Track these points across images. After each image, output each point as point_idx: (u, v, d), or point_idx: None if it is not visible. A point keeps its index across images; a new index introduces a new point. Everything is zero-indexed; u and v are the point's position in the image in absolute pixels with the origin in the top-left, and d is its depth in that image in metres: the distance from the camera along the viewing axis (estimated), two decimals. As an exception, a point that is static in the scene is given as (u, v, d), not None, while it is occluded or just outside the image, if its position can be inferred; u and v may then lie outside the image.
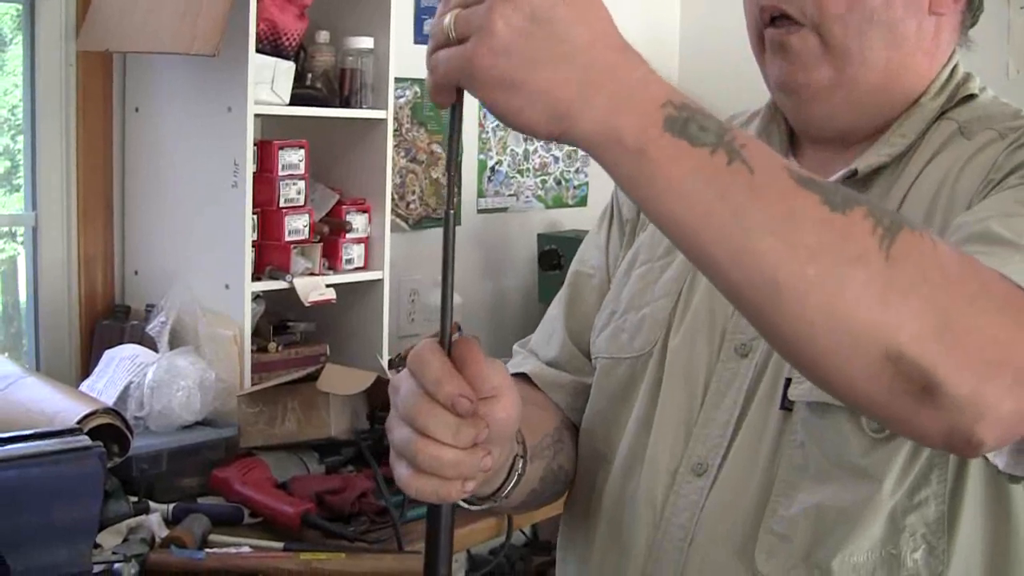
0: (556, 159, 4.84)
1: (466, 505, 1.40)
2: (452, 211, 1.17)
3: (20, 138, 3.41)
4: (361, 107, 3.50)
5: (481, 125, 4.46)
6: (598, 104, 1.04)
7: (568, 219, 4.88)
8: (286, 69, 3.28)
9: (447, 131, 1.16)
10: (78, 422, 2.53)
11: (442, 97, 1.10)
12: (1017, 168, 1.34)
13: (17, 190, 3.45)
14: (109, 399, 2.93)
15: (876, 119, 1.54)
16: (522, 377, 1.75)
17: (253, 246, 3.26)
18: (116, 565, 2.30)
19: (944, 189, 1.42)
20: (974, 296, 1.07)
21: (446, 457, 1.17)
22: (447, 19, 1.05)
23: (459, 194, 4.48)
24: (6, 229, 3.46)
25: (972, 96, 1.54)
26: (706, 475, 1.50)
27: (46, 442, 2.13)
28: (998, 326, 1.06)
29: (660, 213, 1.06)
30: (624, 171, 1.06)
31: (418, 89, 4.12)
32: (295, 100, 3.34)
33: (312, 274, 3.41)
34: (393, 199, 3.78)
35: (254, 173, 3.22)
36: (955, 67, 1.57)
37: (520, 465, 1.45)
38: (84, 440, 2.17)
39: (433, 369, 1.17)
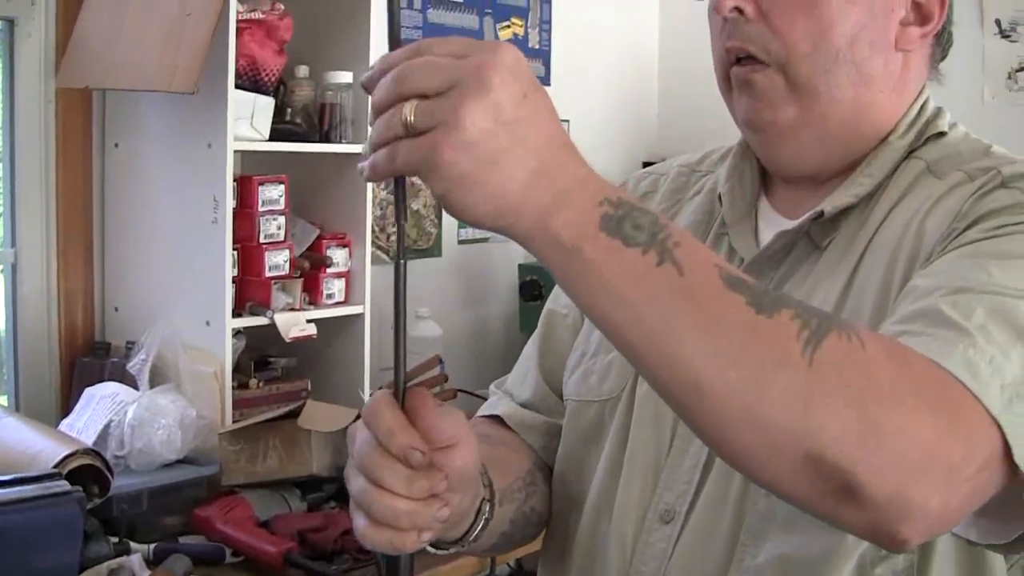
0: (537, 189, 4.83)
1: (433, 550, 1.40)
2: (402, 260, 1.16)
3: (-1, 169, 3.41)
4: (341, 141, 3.50)
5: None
6: (541, 202, 1.04)
7: (549, 250, 4.86)
8: (265, 104, 3.28)
9: (395, 204, 1.15)
10: (58, 464, 2.52)
11: (384, 179, 1.10)
12: (981, 219, 1.33)
13: (-4, 222, 3.44)
14: (89, 438, 2.92)
15: (845, 157, 1.53)
16: (496, 418, 1.74)
17: (233, 282, 3.26)
18: (97, 608, 2.29)
19: (910, 230, 1.41)
20: (903, 397, 1.06)
21: (400, 508, 1.17)
22: (406, 109, 1.03)
23: (439, 227, 4.48)
24: (-15, 265, 3.45)
25: (942, 134, 1.53)
26: (673, 522, 1.48)
27: (25, 487, 2.13)
28: (926, 427, 1.06)
29: (591, 310, 1.07)
30: (559, 268, 1.07)
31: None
32: (275, 135, 3.33)
33: (293, 309, 3.40)
34: (374, 231, 3.77)
35: (234, 209, 3.22)
36: (925, 103, 1.56)
37: (487, 509, 1.44)
38: (63, 485, 2.16)
39: (385, 421, 1.16)
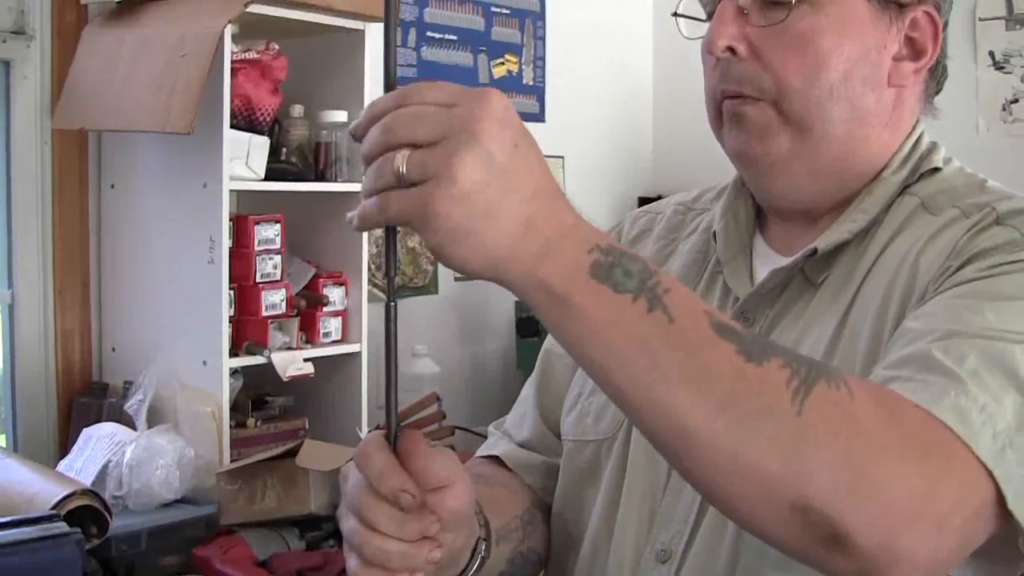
0: (533, 225, 4.84)
1: None
2: (393, 303, 1.16)
3: (-4, 209, 3.41)
4: (336, 180, 3.50)
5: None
6: (529, 254, 1.04)
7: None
8: (261, 144, 3.29)
9: (384, 253, 1.15)
10: (56, 505, 2.51)
11: (375, 228, 1.09)
12: (975, 257, 1.32)
13: (-7, 266, 3.44)
14: (87, 478, 2.92)
15: (839, 192, 1.53)
16: (494, 459, 1.74)
17: (230, 321, 3.26)
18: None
19: (904, 267, 1.40)
20: (891, 446, 1.07)
21: (391, 549, 1.17)
22: (397, 159, 1.03)
23: (435, 264, 4.48)
24: (-18, 306, 3.45)
25: (936, 169, 1.52)
26: (670, 562, 1.48)
27: (23, 529, 2.12)
28: (915, 476, 1.07)
29: (581, 355, 1.08)
30: (548, 314, 1.07)
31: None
32: (270, 175, 3.34)
33: (290, 348, 3.40)
34: (370, 269, 3.78)
35: (230, 248, 3.22)
36: (919, 138, 1.56)
37: (483, 548, 1.43)
38: (61, 526, 2.16)
39: (376, 464, 1.17)
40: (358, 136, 1.08)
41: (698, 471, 1.08)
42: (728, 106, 1.51)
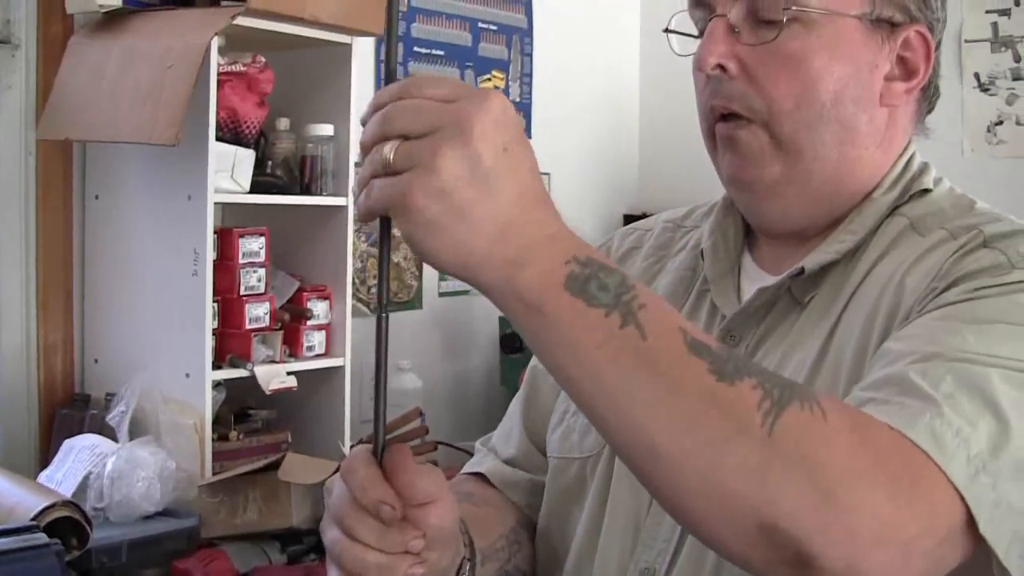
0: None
1: None
2: (385, 315, 1.15)
3: (-21, 225, 3.40)
4: (322, 194, 3.51)
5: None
6: (506, 256, 1.04)
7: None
8: (246, 157, 3.29)
9: (379, 245, 1.15)
10: (36, 516, 2.50)
11: (371, 219, 1.09)
12: (960, 280, 1.31)
13: (-24, 277, 3.43)
14: (68, 490, 2.91)
15: (831, 213, 1.51)
16: (480, 476, 1.73)
17: (214, 334, 3.25)
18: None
19: (890, 288, 1.39)
20: (861, 470, 1.06)
21: (370, 560, 1.17)
22: (387, 148, 1.03)
23: (419, 280, 4.48)
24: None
25: (926, 191, 1.51)
26: None
27: (2, 540, 2.11)
28: (883, 500, 1.05)
29: (553, 367, 1.08)
30: (521, 322, 1.07)
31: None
32: (255, 188, 3.34)
33: (273, 362, 3.40)
34: (354, 284, 3.77)
35: (215, 261, 3.22)
36: (910, 159, 1.54)
37: (467, 568, 1.42)
38: (41, 537, 2.15)
39: (359, 476, 1.16)
40: (364, 125, 1.08)
41: (665, 489, 1.07)
42: (721, 130, 1.50)
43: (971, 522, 1.11)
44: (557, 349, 1.06)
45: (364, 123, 1.09)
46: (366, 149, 1.07)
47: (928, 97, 1.57)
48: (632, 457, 1.08)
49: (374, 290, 4.19)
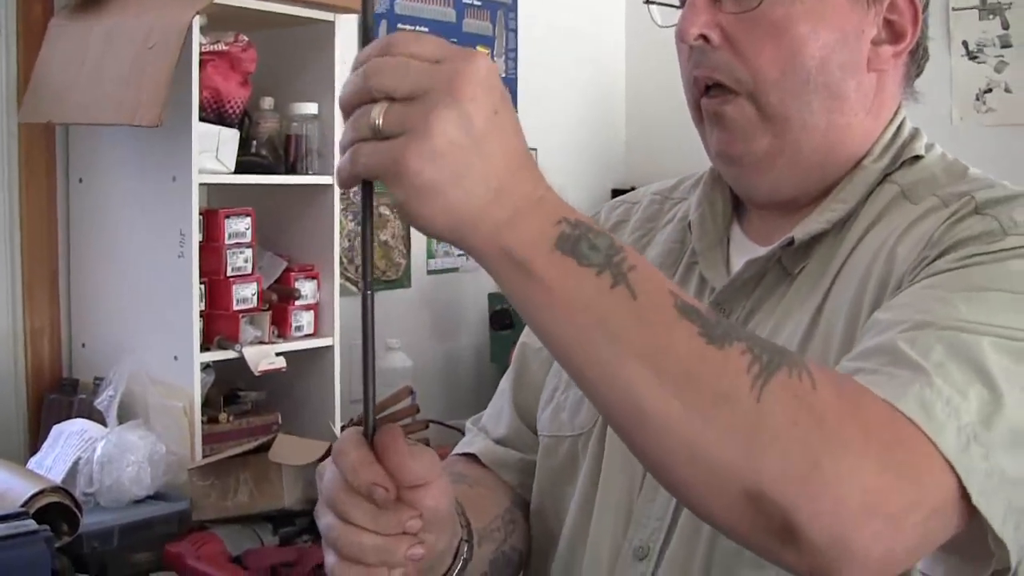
0: (505, 218, 4.83)
1: None
2: (370, 292, 1.14)
3: (-37, 210, 3.38)
4: (307, 173, 3.49)
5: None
6: (497, 218, 1.03)
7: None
8: (230, 137, 3.27)
9: (361, 212, 1.13)
10: (25, 502, 2.49)
11: (354, 184, 1.07)
12: (952, 247, 1.30)
13: (-40, 261, 3.42)
14: (58, 475, 2.90)
15: (821, 182, 1.50)
16: (472, 456, 1.72)
17: (201, 316, 3.24)
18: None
19: (880, 256, 1.38)
20: (850, 441, 1.05)
21: (367, 543, 1.16)
22: (375, 112, 1.02)
23: (407, 258, 4.47)
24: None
25: (918, 157, 1.50)
26: (647, 559, 1.46)
27: (-9, 527, 2.10)
28: (871, 471, 1.04)
29: (539, 327, 1.06)
30: (510, 284, 1.06)
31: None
32: (240, 168, 3.32)
33: (262, 343, 3.39)
34: (342, 263, 3.76)
35: (201, 242, 3.20)
36: (901, 124, 1.53)
37: (465, 549, 1.41)
38: (30, 524, 2.14)
39: (350, 459, 1.15)
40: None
41: (651, 453, 1.06)
42: (707, 105, 1.49)
43: (964, 494, 1.10)
44: (545, 309, 1.05)
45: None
46: (348, 108, 1.05)
47: (916, 60, 1.55)
48: (620, 420, 1.07)
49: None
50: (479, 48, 4.60)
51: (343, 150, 1.05)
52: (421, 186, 1.00)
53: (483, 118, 1.01)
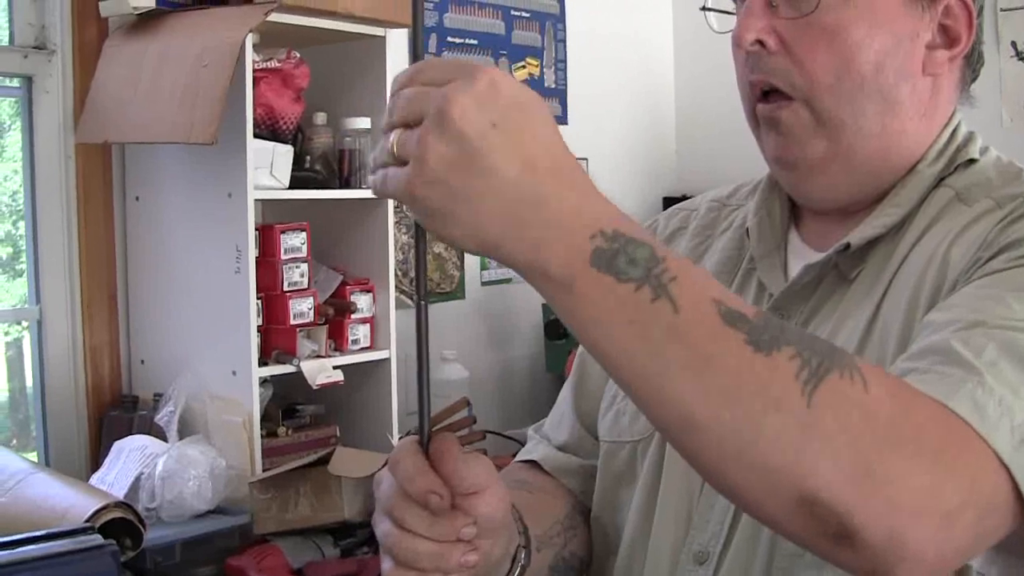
0: (558, 228, 4.84)
1: None
2: (424, 304, 1.15)
3: (21, 224, 3.43)
4: (361, 187, 3.50)
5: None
6: (527, 237, 1.03)
7: (572, 287, 4.87)
8: (284, 152, 3.29)
9: (414, 225, 1.15)
10: (89, 518, 2.52)
11: (383, 196, 1.10)
12: (1006, 248, 1.30)
13: (20, 275, 3.46)
14: (120, 491, 2.92)
15: (877, 187, 1.50)
16: (533, 463, 1.73)
17: (259, 331, 3.26)
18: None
19: (935, 260, 1.38)
20: (903, 441, 1.05)
21: (422, 549, 1.17)
22: (391, 137, 1.04)
23: (461, 270, 4.49)
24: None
25: (972, 161, 1.49)
26: (707, 563, 1.46)
27: (58, 543, 2.13)
28: (925, 472, 1.04)
29: (586, 343, 1.07)
30: (551, 300, 1.06)
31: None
32: (295, 183, 3.34)
33: (319, 356, 3.41)
34: (397, 276, 3.78)
35: (257, 258, 3.23)
36: (956, 128, 1.52)
37: (522, 556, 1.42)
38: (96, 539, 2.16)
39: (406, 467, 1.16)
40: None
41: (704, 462, 1.06)
42: (763, 111, 1.49)
43: (1019, 493, 1.10)
44: (589, 326, 1.05)
45: None
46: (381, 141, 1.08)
47: (972, 64, 1.54)
48: (671, 431, 1.07)
49: (416, 281, 4.18)
50: (528, 60, 4.62)
51: (372, 169, 1.08)
52: (432, 211, 1.02)
53: (477, 135, 1.01)
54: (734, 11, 1.52)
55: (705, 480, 1.13)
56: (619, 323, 1.03)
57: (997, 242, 1.32)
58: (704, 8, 1.56)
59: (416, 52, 1.12)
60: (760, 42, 1.45)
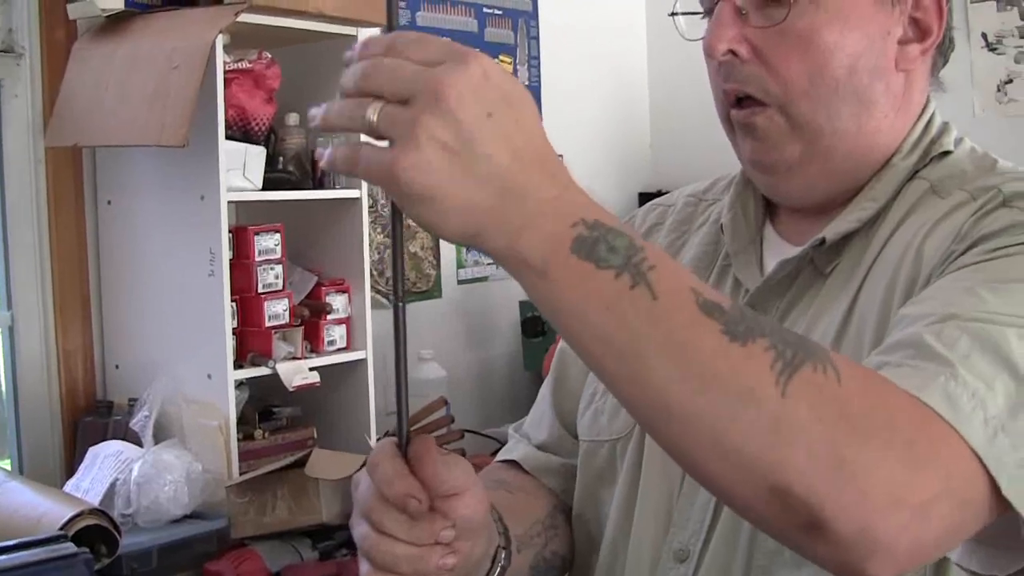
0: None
1: None
2: (401, 304, 1.14)
3: (-9, 231, 3.40)
4: (335, 187, 3.50)
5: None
6: (509, 225, 1.02)
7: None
8: (257, 154, 3.28)
9: (390, 225, 1.13)
10: (64, 525, 2.50)
11: (339, 171, 1.08)
12: (980, 241, 1.30)
13: (-9, 280, 3.43)
14: (95, 498, 2.90)
15: (853, 183, 1.50)
16: (514, 463, 1.72)
17: (234, 333, 3.25)
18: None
19: (909, 253, 1.38)
20: (874, 433, 1.04)
21: (400, 553, 1.17)
22: (370, 111, 1.01)
23: (437, 268, 4.48)
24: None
25: (947, 152, 1.49)
26: (688, 561, 1.46)
27: (30, 552, 2.11)
28: (896, 464, 1.04)
29: (563, 330, 1.06)
30: (529, 288, 1.05)
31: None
32: (268, 184, 3.33)
33: (295, 358, 3.40)
34: (373, 276, 3.77)
35: (231, 260, 3.21)
36: (930, 120, 1.52)
37: (503, 556, 1.41)
38: (69, 547, 2.14)
39: (384, 470, 1.16)
40: (347, 65, 1.06)
41: (679, 449, 1.06)
42: (737, 116, 1.49)
43: (994, 485, 1.09)
44: (566, 312, 1.04)
45: (346, 62, 1.06)
46: (345, 96, 1.04)
47: (943, 52, 1.54)
48: (647, 417, 1.07)
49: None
50: (502, 57, 4.61)
51: (324, 124, 1.05)
52: (414, 195, 1.00)
53: (473, 123, 1.00)
54: (702, 15, 1.51)
55: (680, 466, 1.12)
56: (597, 309, 1.03)
57: (971, 235, 1.31)
58: (673, 13, 1.55)
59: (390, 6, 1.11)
60: (732, 52, 1.45)
